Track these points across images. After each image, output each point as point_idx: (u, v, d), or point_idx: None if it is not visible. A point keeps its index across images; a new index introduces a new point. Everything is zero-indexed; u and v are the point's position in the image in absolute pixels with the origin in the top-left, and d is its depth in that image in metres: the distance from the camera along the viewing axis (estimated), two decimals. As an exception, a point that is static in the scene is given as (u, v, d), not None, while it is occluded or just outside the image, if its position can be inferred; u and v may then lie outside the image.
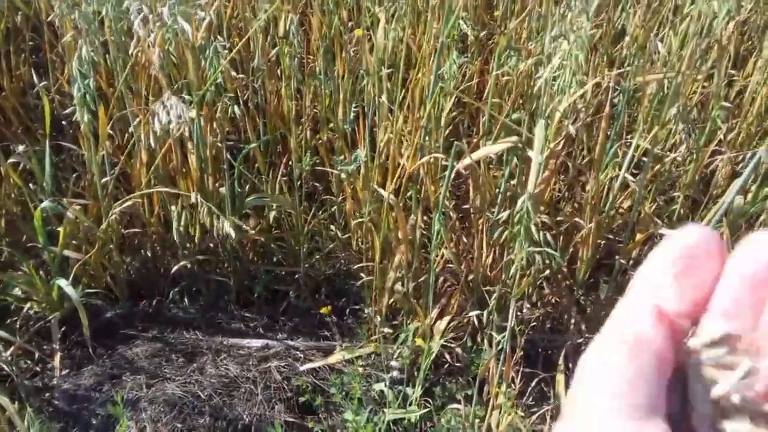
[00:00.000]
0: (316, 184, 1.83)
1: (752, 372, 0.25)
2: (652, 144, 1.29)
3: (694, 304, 0.26)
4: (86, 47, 1.09)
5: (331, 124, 1.69)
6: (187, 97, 1.15)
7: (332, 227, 1.75)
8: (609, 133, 1.40)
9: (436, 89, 1.19)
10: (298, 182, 1.59)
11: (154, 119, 1.02)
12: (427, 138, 1.32)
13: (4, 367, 1.45)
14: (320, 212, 1.76)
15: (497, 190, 1.50)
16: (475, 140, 1.64)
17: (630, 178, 1.35)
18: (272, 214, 1.69)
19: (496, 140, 1.47)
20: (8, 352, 1.47)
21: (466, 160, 1.22)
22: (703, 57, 1.54)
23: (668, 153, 1.50)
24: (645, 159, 1.49)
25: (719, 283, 0.26)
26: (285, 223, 1.72)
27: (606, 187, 1.44)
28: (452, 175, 1.26)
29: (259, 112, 1.67)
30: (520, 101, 1.63)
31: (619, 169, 1.40)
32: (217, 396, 1.47)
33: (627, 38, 1.48)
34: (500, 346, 1.37)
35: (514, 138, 1.25)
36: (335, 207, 1.75)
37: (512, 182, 1.47)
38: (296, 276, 1.70)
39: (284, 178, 1.68)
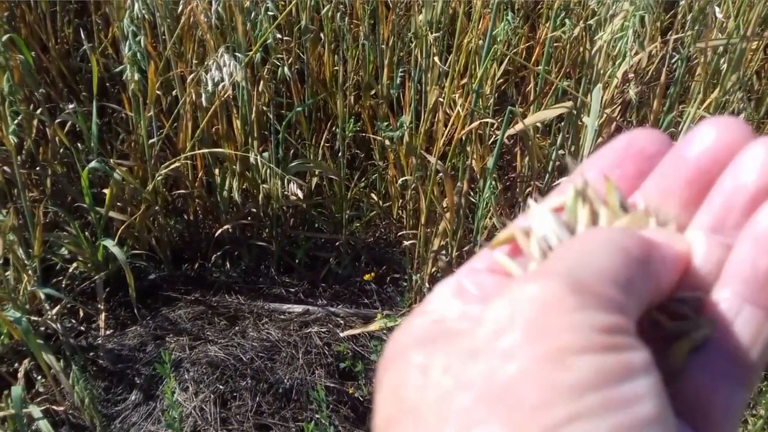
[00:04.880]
0: (357, 151, 1.82)
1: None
2: (711, 113, 1.25)
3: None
4: (138, 4, 1.08)
5: (373, 91, 1.67)
6: (239, 55, 1.13)
7: (373, 195, 1.74)
8: (664, 101, 1.36)
9: (490, 51, 1.16)
10: (341, 148, 1.57)
11: (207, 76, 1.00)
12: (477, 103, 1.29)
13: (50, 325, 1.47)
14: (361, 180, 1.75)
15: (545, 159, 1.47)
16: (520, 109, 1.61)
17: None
18: (314, 180, 1.68)
19: (543, 108, 1.43)
20: (54, 311, 1.49)
21: (519, 126, 1.20)
22: (763, 24, 1.49)
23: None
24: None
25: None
26: (326, 190, 1.71)
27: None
28: (502, 142, 1.24)
29: (302, 77, 1.65)
30: (568, 69, 1.59)
31: (674, 140, 1.36)
32: (259, 359, 1.48)
33: (682, 2, 1.43)
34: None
35: (569, 104, 1.21)
36: (376, 174, 1.73)
37: (560, 152, 1.44)
38: (337, 243, 1.69)
39: (327, 145, 1.67)
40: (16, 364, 1.42)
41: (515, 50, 1.62)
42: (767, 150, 0.22)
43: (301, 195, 1.27)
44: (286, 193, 1.26)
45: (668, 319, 0.23)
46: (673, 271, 0.23)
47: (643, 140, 0.25)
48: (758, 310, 0.22)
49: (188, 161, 1.53)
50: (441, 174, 1.39)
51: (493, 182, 1.30)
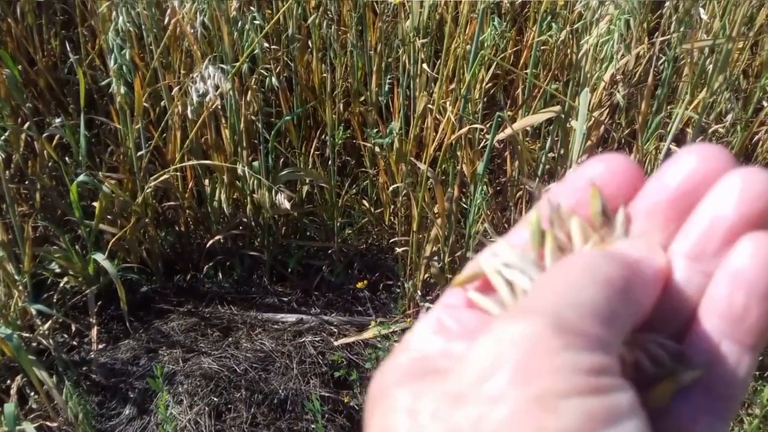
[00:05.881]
0: (348, 158, 1.81)
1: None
2: (699, 113, 1.25)
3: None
4: (123, 17, 1.08)
5: (363, 97, 1.67)
6: (225, 67, 1.13)
7: (364, 202, 1.74)
8: (652, 103, 1.37)
9: (477, 57, 1.16)
10: (331, 156, 1.57)
11: (191, 89, 1.00)
12: (466, 108, 1.29)
13: (42, 340, 1.46)
14: (352, 187, 1.75)
15: (534, 163, 1.47)
16: (509, 113, 1.61)
17: (675, 148, 1.31)
18: (305, 188, 1.68)
19: (532, 112, 1.43)
20: (45, 326, 1.48)
21: (508, 131, 1.20)
22: (748, 24, 1.49)
23: (711, 123, 1.46)
24: (688, 130, 1.45)
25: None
26: (317, 198, 1.70)
27: (650, 158, 1.40)
28: (492, 147, 1.24)
29: (291, 85, 1.65)
30: (556, 72, 1.60)
31: (661, 141, 1.36)
32: (253, 370, 1.47)
33: (667, 3, 1.44)
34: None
35: (557, 108, 1.21)
36: (367, 181, 1.73)
37: (550, 155, 1.44)
38: (329, 251, 1.69)
39: (317, 153, 1.66)
40: (9, 381, 1.40)
41: (503, 55, 1.62)
42: (744, 180, 0.22)
43: (288, 206, 1.27)
44: (275, 202, 1.25)
45: (647, 359, 0.22)
46: (655, 290, 0.23)
47: (606, 175, 0.25)
48: (736, 345, 0.22)
49: (177, 173, 1.53)
50: (431, 180, 1.39)
51: (484, 187, 1.30)
